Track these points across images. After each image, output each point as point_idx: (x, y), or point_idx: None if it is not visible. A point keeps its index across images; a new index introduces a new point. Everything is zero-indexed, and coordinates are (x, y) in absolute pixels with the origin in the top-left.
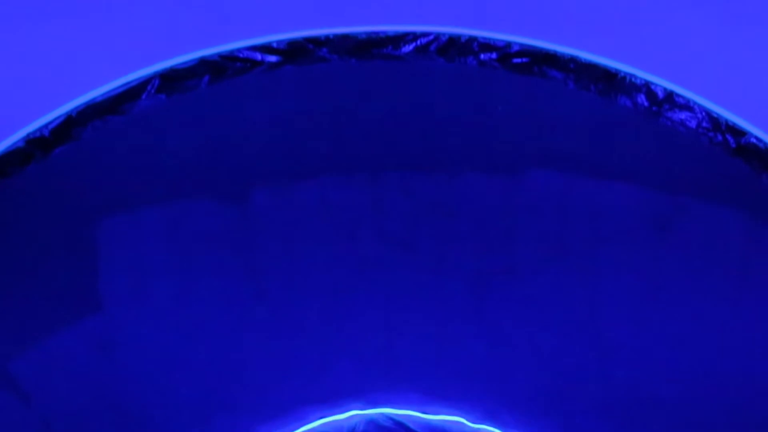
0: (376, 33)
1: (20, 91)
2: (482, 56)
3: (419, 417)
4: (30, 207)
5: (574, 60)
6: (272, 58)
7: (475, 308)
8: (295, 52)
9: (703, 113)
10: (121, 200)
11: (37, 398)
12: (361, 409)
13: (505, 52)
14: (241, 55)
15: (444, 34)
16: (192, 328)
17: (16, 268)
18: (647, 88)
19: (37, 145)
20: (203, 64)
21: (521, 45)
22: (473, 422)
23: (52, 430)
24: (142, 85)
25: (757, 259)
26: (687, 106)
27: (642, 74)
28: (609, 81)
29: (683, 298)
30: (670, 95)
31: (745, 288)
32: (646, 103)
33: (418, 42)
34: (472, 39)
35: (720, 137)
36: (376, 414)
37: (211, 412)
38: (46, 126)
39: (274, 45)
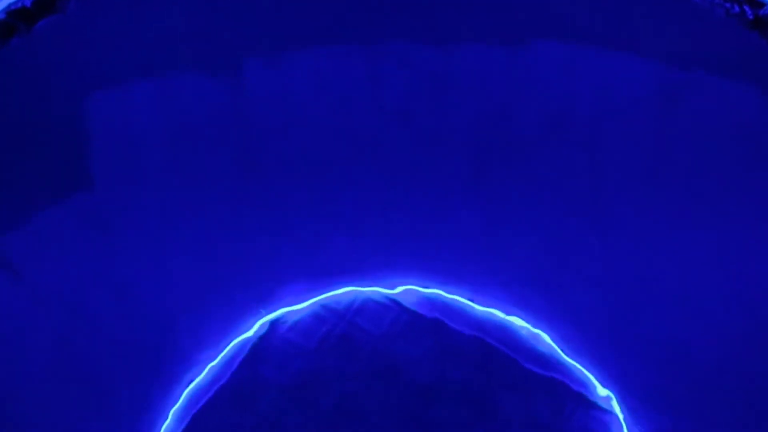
0: None
1: None
2: None
3: (415, 294)
4: (15, 82)
5: None
6: None
7: (473, 183)
8: None
9: None
10: (110, 74)
11: (28, 275)
12: (358, 286)
13: None
14: None
15: None
16: (184, 204)
17: (3, 146)
18: None
19: (18, 16)
20: None
21: None
22: (469, 299)
23: (43, 307)
24: None
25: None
26: None
27: None
28: None
29: (690, 177)
30: None
31: (756, 167)
32: None
33: None
34: None
35: (737, 8)
36: (372, 291)
37: (205, 289)
38: None
39: None
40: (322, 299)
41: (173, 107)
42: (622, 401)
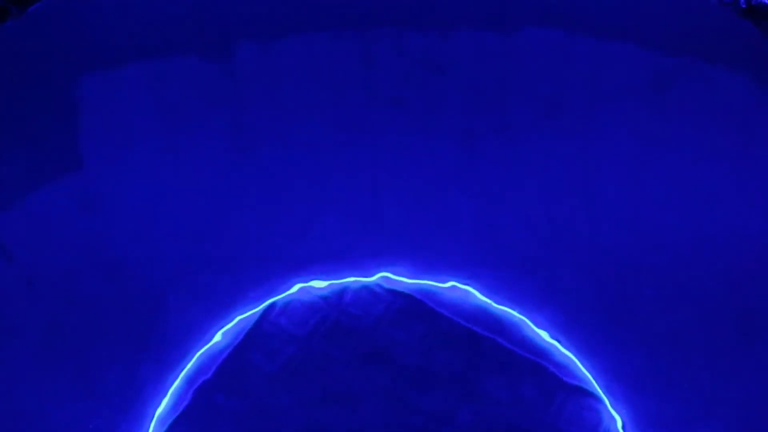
0: None
1: None
2: None
3: (404, 280)
4: (9, 65)
5: None
6: None
7: (465, 168)
8: None
9: None
10: (102, 57)
11: (19, 256)
12: (347, 271)
13: None
14: None
15: None
16: (176, 184)
17: None
18: None
19: (11, 0)
20: None
21: None
22: (459, 283)
23: (34, 287)
24: None
25: (759, 125)
26: None
27: None
28: None
29: (679, 162)
30: None
31: (745, 155)
32: None
33: None
34: None
35: None
36: (364, 278)
37: (194, 269)
38: None
39: None
40: (313, 287)
41: (165, 90)
42: (610, 386)
